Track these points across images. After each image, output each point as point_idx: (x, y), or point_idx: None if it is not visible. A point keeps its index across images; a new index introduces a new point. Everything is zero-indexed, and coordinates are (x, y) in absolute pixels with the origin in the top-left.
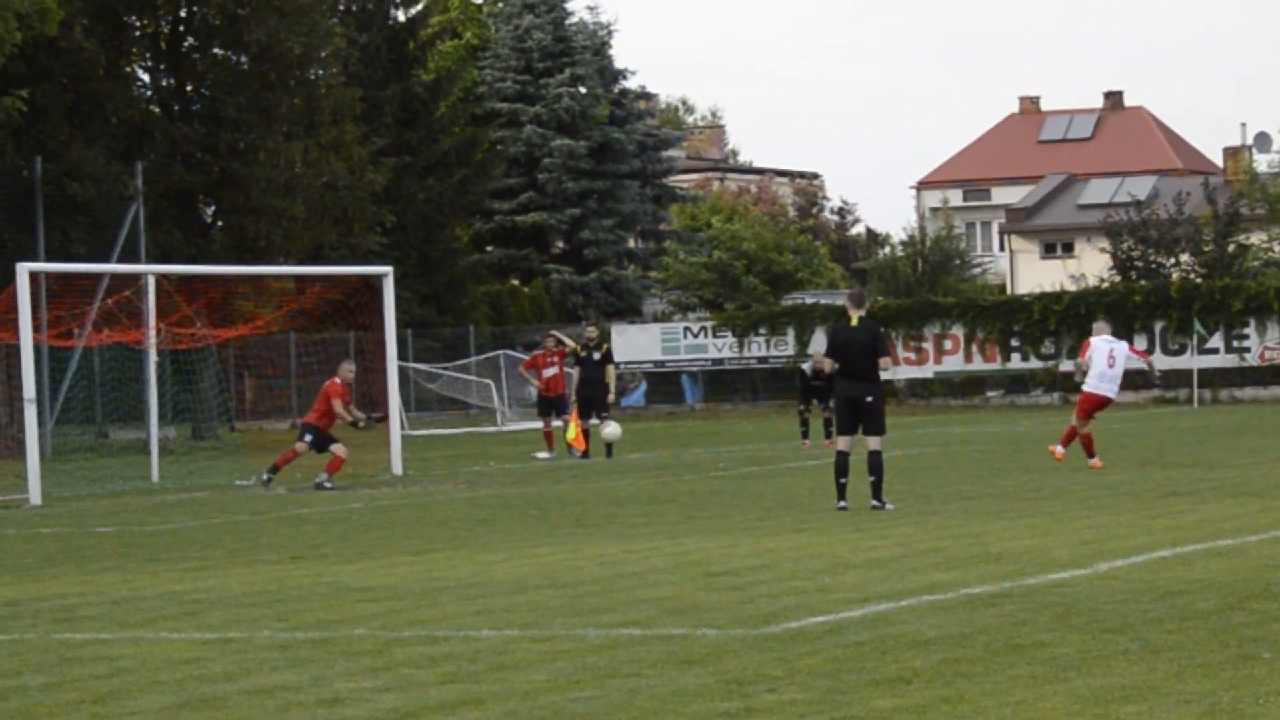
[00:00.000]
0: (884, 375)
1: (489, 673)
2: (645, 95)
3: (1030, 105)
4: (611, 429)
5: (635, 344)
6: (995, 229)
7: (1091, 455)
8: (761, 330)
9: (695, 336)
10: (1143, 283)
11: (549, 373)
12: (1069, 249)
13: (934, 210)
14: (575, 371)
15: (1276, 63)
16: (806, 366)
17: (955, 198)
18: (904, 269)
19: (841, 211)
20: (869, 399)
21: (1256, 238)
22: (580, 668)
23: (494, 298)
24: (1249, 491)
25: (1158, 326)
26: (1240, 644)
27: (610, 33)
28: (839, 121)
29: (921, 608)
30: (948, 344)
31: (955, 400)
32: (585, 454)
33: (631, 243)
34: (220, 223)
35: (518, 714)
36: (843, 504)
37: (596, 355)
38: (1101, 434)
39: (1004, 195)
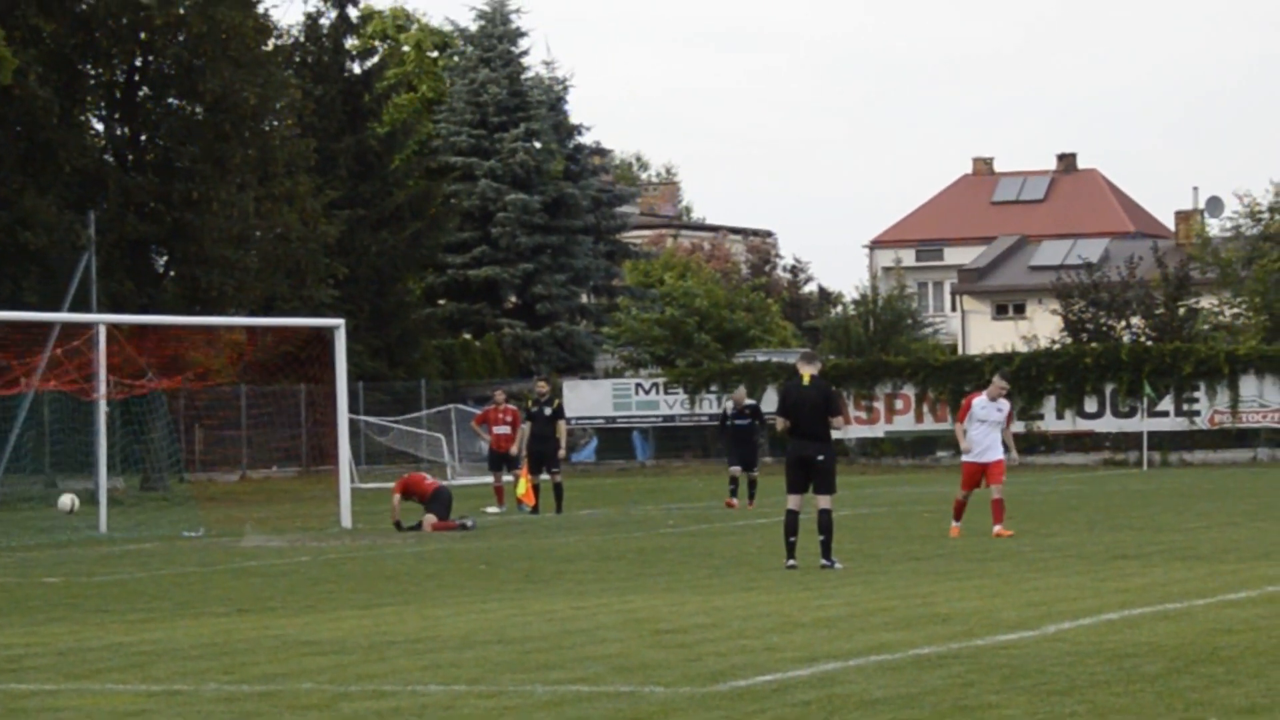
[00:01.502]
0: (835, 434)
1: None
2: (600, 151)
3: (983, 166)
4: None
5: (587, 400)
6: (947, 289)
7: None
8: (713, 387)
9: (647, 393)
10: (1093, 345)
11: (500, 429)
12: (1020, 310)
13: (886, 270)
14: (526, 426)
15: (1229, 127)
16: (728, 406)
17: (908, 257)
18: (856, 328)
19: (794, 270)
20: (820, 458)
21: (1207, 301)
22: None
23: (446, 351)
24: (1197, 555)
25: (1108, 389)
26: (1186, 708)
27: (565, 88)
28: (793, 180)
29: (869, 668)
30: (899, 404)
31: (906, 460)
32: (535, 509)
33: (584, 298)
34: (172, 273)
35: None
36: (792, 562)
37: (548, 410)
38: (1050, 496)
39: (956, 255)
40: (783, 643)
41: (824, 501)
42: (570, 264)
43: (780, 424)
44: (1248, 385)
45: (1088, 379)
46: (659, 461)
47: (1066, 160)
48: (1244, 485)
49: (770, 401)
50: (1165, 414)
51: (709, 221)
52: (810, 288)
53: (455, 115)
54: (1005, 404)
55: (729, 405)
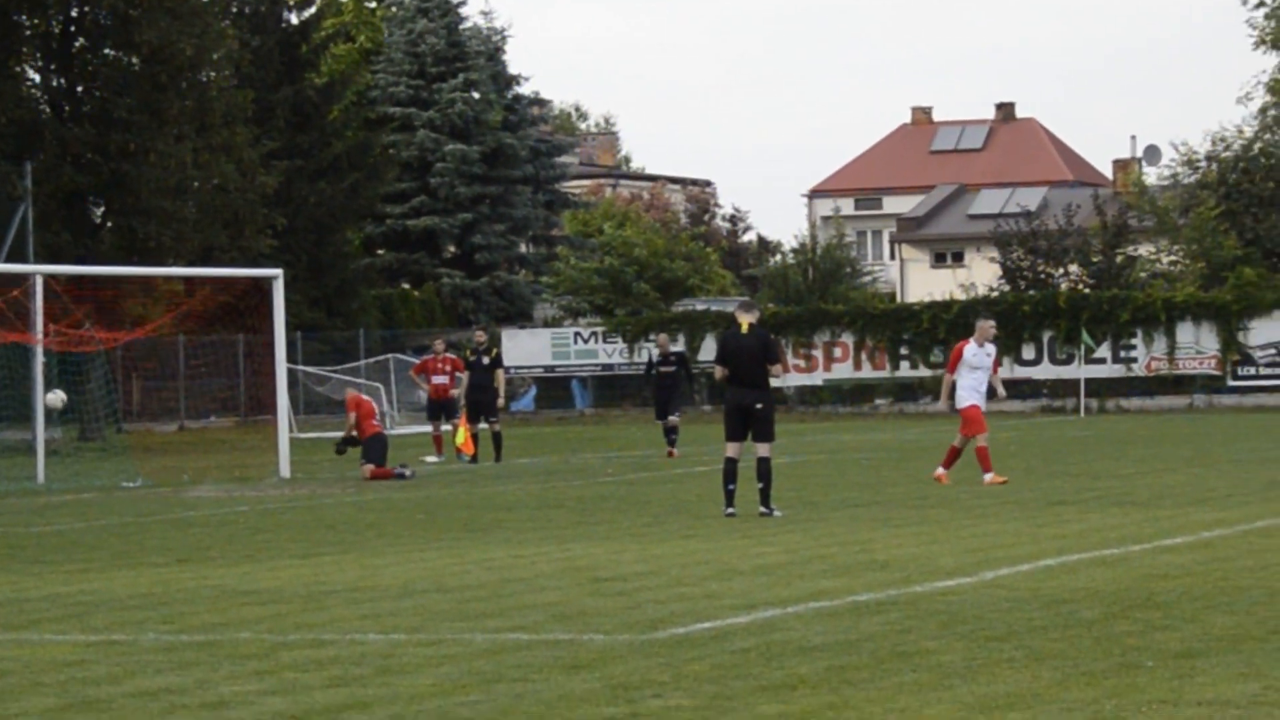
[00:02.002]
0: (774, 382)
1: (375, 677)
2: (539, 101)
3: (922, 116)
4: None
5: (526, 349)
6: (886, 238)
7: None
8: (651, 336)
9: (585, 342)
10: (1031, 293)
11: (438, 378)
12: (959, 258)
13: (825, 219)
14: (465, 376)
15: (1167, 76)
16: (653, 352)
17: (847, 206)
18: (795, 277)
19: (733, 219)
20: (759, 406)
21: (1145, 249)
22: (466, 672)
23: (384, 302)
24: (1134, 501)
25: (1046, 336)
26: (1124, 653)
27: (504, 38)
28: (732, 129)
29: (808, 614)
30: (837, 352)
31: (844, 408)
32: (474, 459)
33: (523, 248)
34: (110, 224)
35: (403, 718)
36: (730, 510)
37: (486, 360)
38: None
39: (895, 204)
40: (722, 590)
41: (763, 449)
42: (509, 214)
43: (719, 372)
44: (1184, 332)
45: (1026, 327)
46: (598, 410)
47: (1005, 109)
48: (1180, 431)
49: (709, 350)
50: (1102, 361)
51: (648, 171)
52: (749, 237)
53: (393, 66)
54: (993, 348)
55: (654, 352)
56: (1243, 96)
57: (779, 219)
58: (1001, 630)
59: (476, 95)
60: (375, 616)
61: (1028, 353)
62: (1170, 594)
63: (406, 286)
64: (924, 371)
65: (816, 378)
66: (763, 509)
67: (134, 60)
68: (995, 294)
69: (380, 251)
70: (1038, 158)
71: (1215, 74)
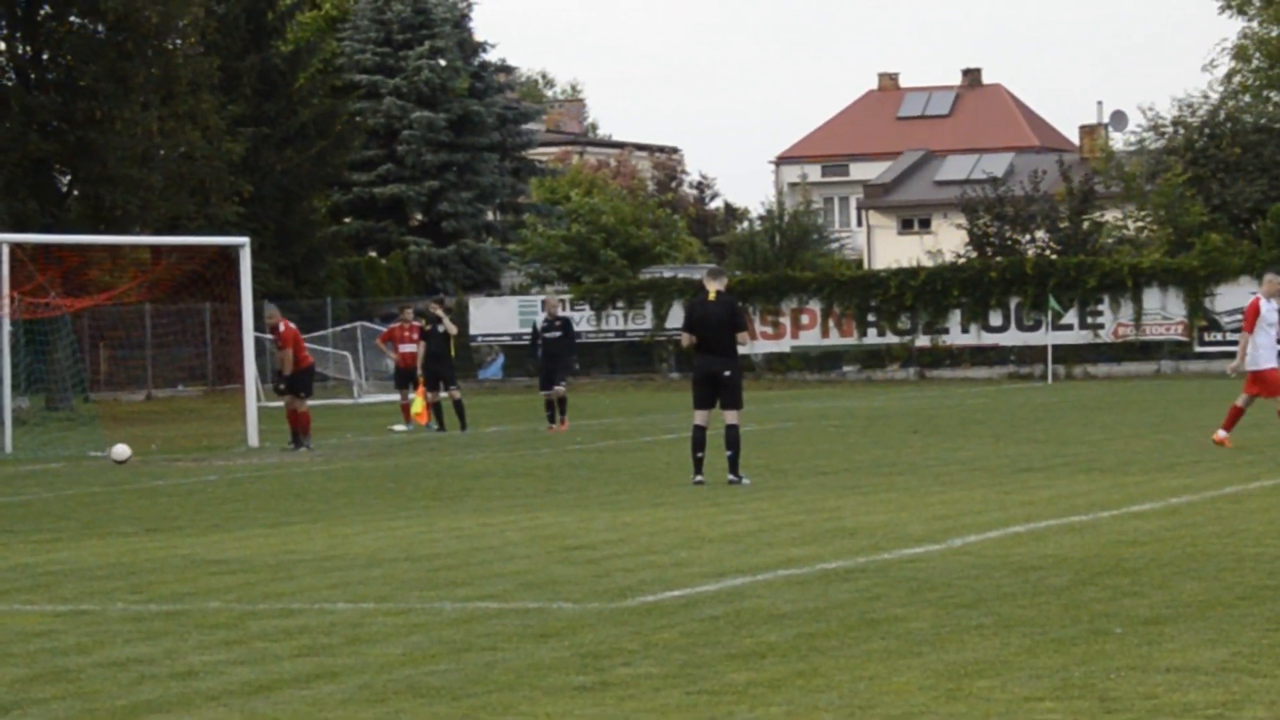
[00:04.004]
0: (741, 350)
1: (344, 646)
2: (505, 68)
3: (889, 82)
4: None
5: (493, 317)
6: (853, 204)
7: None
8: (619, 304)
9: (559, 307)
10: (998, 259)
11: (406, 346)
12: (926, 225)
13: (792, 185)
14: (420, 346)
15: (1133, 42)
16: (540, 320)
17: (814, 173)
18: (762, 244)
19: (700, 186)
20: (727, 373)
21: (1111, 215)
22: (436, 641)
23: (352, 270)
24: (1102, 467)
25: (1013, 302)
26: (1092, 619)
27: (470, 5)
28: (699, 96)
29: (777, 582)
30: (805, 319)
31: (812, 375)
32: (441, 427)
33: (490, 215)
34: (76, 192)
35: (373, 687)
36: (699, 478)
37: (441, 329)
38: (955, 410)
39: (862, 171)
40: (691, 558)
41: (731, 417)
42: (476, 181)
43: (686, 339)
44: (1151, 298)
45: (993, 293)
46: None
47: (971, 75)
48: (1147, 398)
49: (677, 318)
50: (1069, 327)
51: (615, 138)
52: (716, 204)
53: (359, 33)
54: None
55: (540, 318)
56: (1208, 63)
57: (746, 186)
58: (970, 597)
59: (443, 62)
60: (344, 585)
61: (995, 319)
62: (1139, 560)
63: (374, 254)
64: (891, 338)
65: (784, 345)
66: (731, 477)
67: (99, 27)
68: (962, 260)
69: (347, 219)
70: (1004, 124)
71: (1182, 39)
